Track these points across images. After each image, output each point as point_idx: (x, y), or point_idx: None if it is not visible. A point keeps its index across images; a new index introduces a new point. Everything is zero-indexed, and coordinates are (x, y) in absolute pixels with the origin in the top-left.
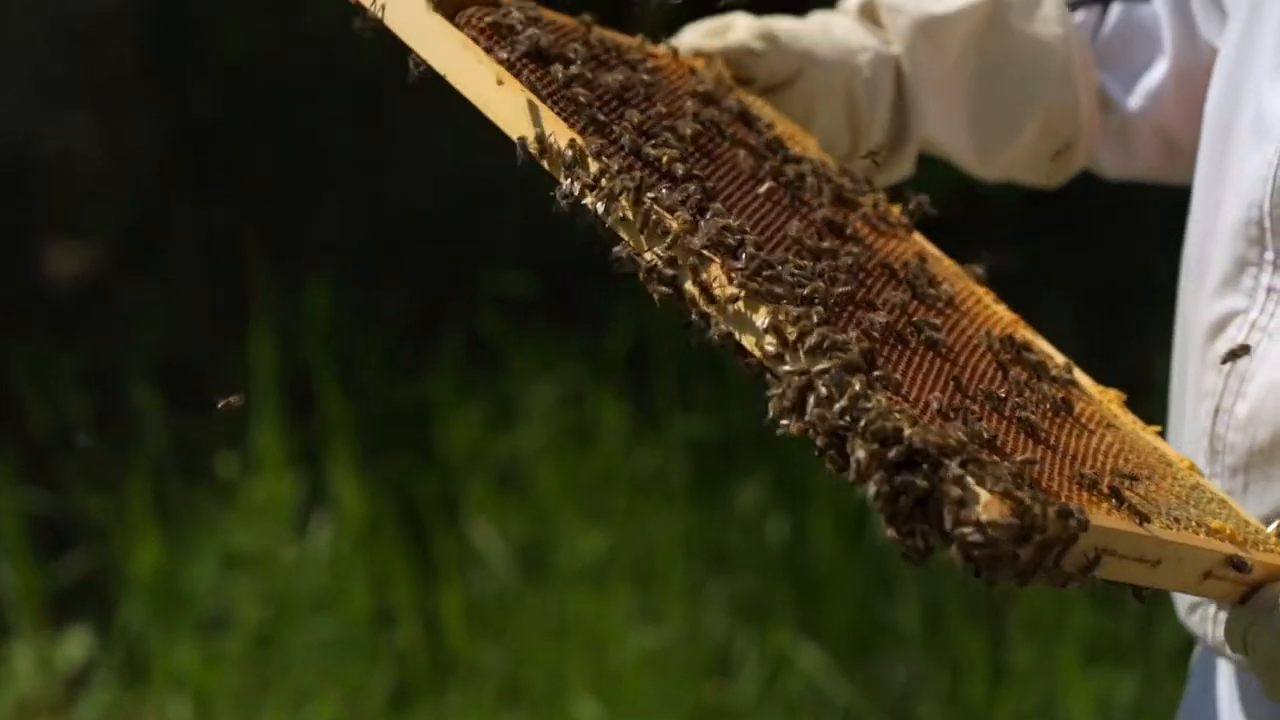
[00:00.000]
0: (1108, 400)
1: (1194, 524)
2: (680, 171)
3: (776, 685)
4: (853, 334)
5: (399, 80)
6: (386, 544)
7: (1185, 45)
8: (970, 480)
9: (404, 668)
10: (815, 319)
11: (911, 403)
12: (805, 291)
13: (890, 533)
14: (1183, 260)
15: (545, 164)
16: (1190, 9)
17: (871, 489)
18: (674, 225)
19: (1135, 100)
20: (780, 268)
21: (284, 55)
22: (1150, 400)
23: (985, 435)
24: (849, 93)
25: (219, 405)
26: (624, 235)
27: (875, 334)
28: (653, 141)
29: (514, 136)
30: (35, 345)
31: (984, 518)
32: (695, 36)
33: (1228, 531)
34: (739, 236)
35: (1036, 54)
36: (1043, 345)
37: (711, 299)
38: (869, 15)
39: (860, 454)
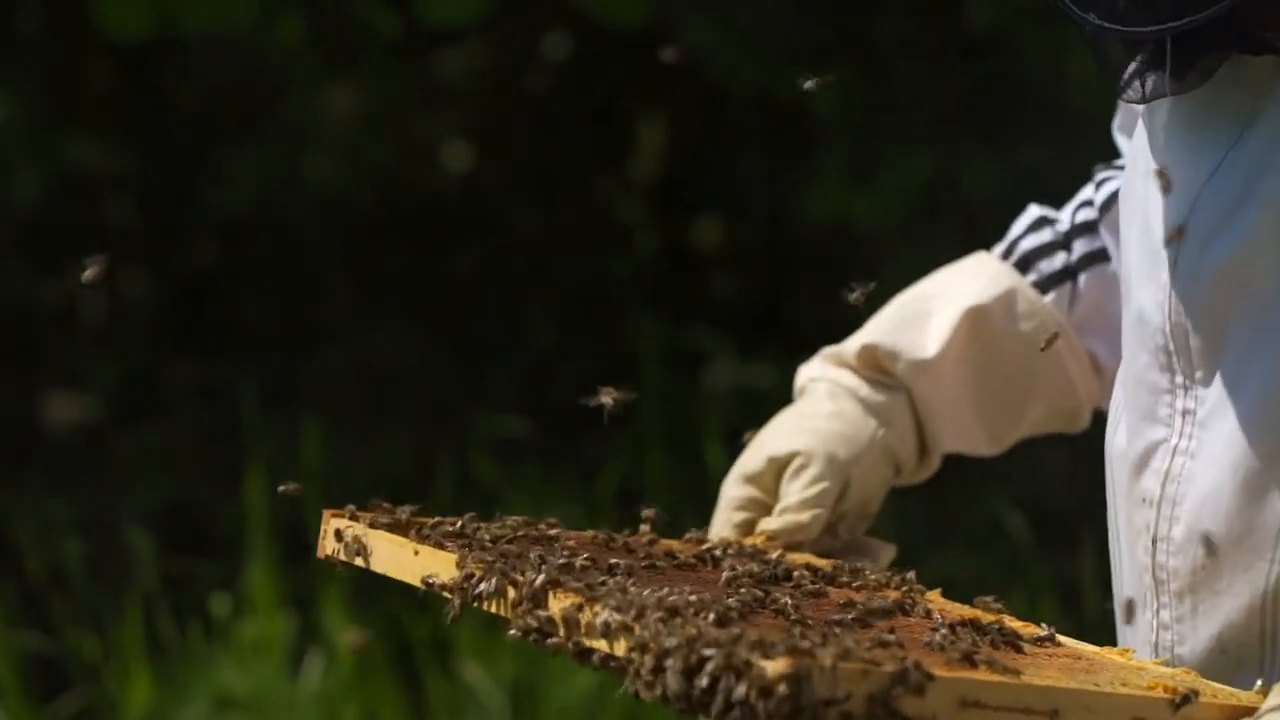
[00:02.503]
0: (1109, 651)
1: (1119, 684)
2: (576, 563)
3: None
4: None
5: (392, 230)
6: (378, 684)
7: None
8: (755, 655)
9: None
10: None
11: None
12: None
13: None
14: (1109, 419)
15: (446, 592)
16: None
17: (672, 686)
18: (532, 579)
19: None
20: (645, 592)
21: (280, 208)
22: None
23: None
24: (885, 450)
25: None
26: (503, 612)
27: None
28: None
29: (419, 582)
30: (32, 492)
31: (769, 675)
32: (729, 529)
33: (1161, 685)
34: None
35: (1022, 351)
36: (1031, 629)
37: (569, 624)
38: (867, 360)
39: (668, 671)
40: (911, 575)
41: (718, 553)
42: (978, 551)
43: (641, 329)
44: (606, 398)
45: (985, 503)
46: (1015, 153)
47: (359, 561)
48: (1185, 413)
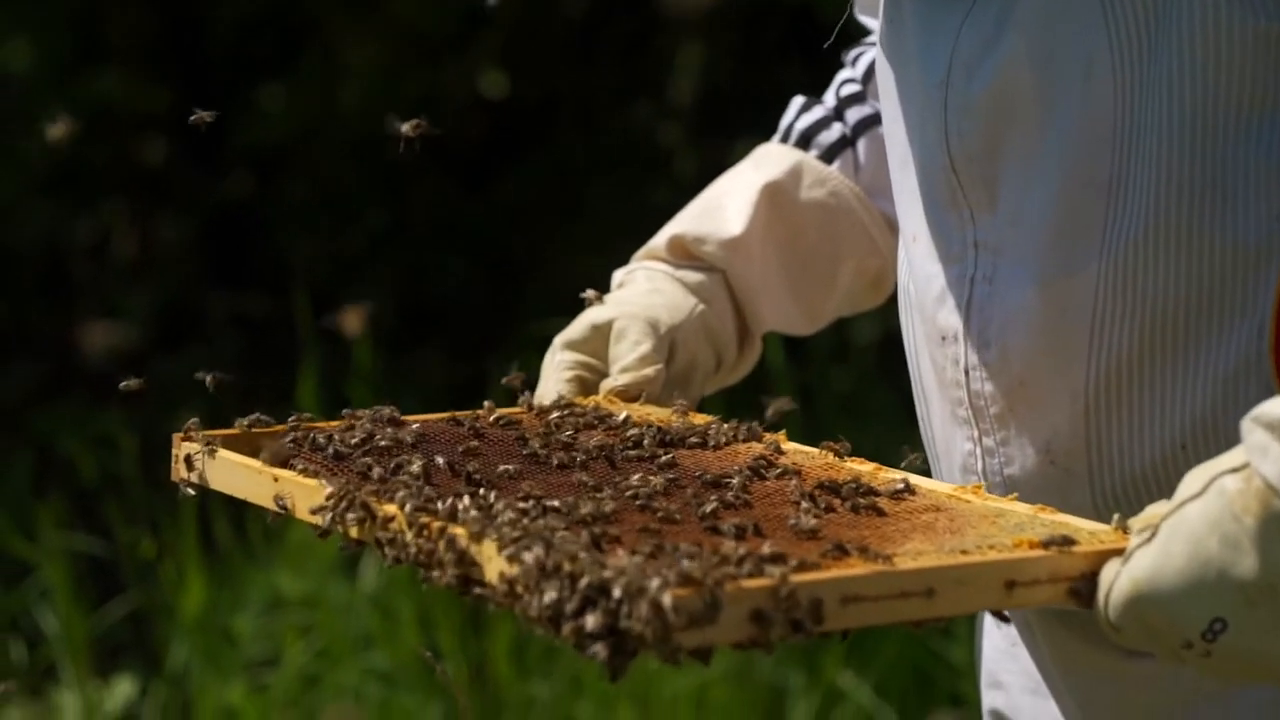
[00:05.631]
0: (963, 492)
1: (986, 547)
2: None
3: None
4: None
5: (425, 156)
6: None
7: None
8: (648, 587)
9: (452, 705)
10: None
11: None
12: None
13: (597, 653)
14: (899, 291)
15: (314, 517)
16: None
17: (565, 630)
18: (393, 509)
19: None
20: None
21: (316, 139)
22: None
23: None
24: (706, 327)
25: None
26: (358, 534)
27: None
28: (400, 472)
29: (275, 505)
30: (76, 410)
31: (665, 605)
32: (561, 387)
33: (1027, 542)
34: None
35: (820, 218)
36: (885, 474)
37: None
38: (677, 249)
39: (546, 598)
40: (757, 425)
41: (564, 427)
42: None
43: None
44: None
45: None
46: None
47: (213, 486)
48: (978, 243)
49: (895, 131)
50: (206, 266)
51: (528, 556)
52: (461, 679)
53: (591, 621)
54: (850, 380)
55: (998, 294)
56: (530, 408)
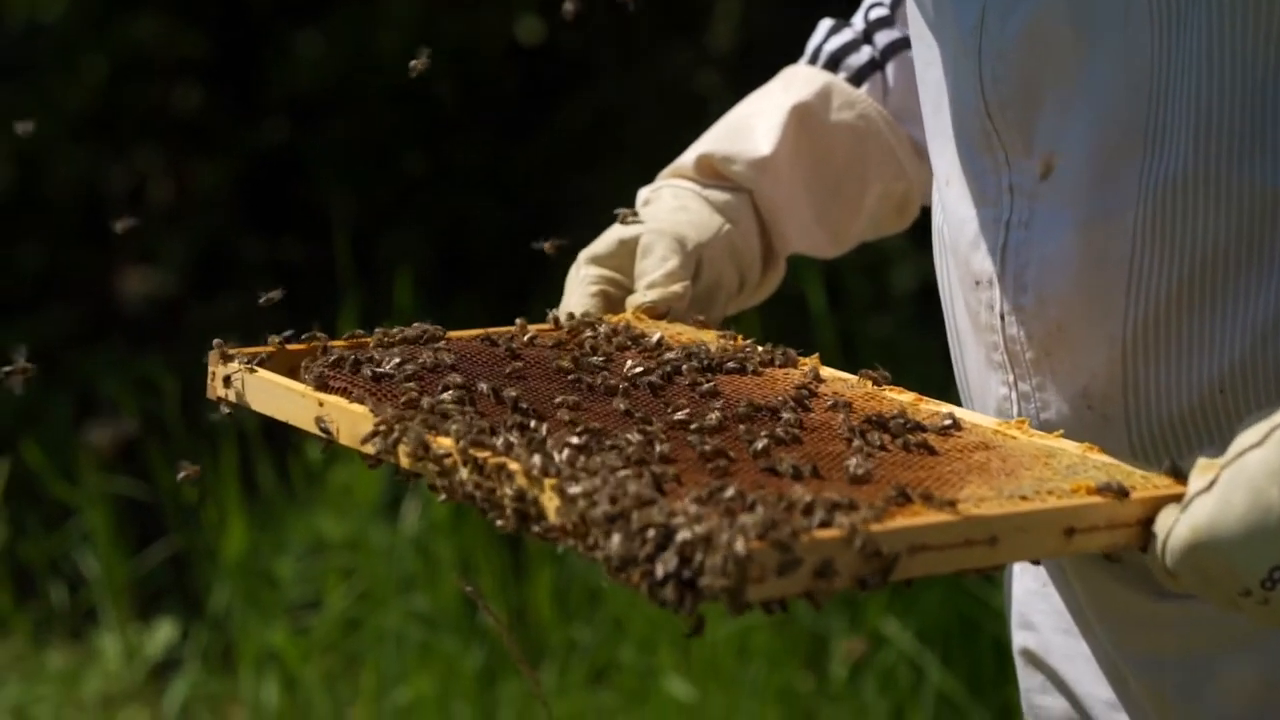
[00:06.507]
0: (1008, 427)
1: (1044, 493)
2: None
3: (868, 667)
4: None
5: (461, 105)
6: (475, 528)
7: None
8: (725, 539)
9: (493, 648)
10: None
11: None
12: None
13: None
14: (932, 217)
15: (365, 446)
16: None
17: (634, 576)
18: (447, 442)
19: None
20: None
21: (354, 85)
22: None
23: (739, 495)
24: (731, 247)
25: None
26: (408, 464)
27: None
28: (447, 393)
29: (317, 428)
30: (115, 354)
31: (740, 551)
32: (586, 302)
33: (1084, 488)
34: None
35: (848, 140)
36: (927, 406)
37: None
38: (705, 169)
39: (613, 544)
40: (792, 351)
41: (598, 349)
42: None
43: None
44: None
45: None
46: None
47: (252, 406)
48: (1013, 188)
49: (928, 75)
50: (243, 212)
51: (596, 508)
52: (502, 622)
53: (661, 569)
54: (889, 328)
55: (1034, 239)
56: (557, 323)
